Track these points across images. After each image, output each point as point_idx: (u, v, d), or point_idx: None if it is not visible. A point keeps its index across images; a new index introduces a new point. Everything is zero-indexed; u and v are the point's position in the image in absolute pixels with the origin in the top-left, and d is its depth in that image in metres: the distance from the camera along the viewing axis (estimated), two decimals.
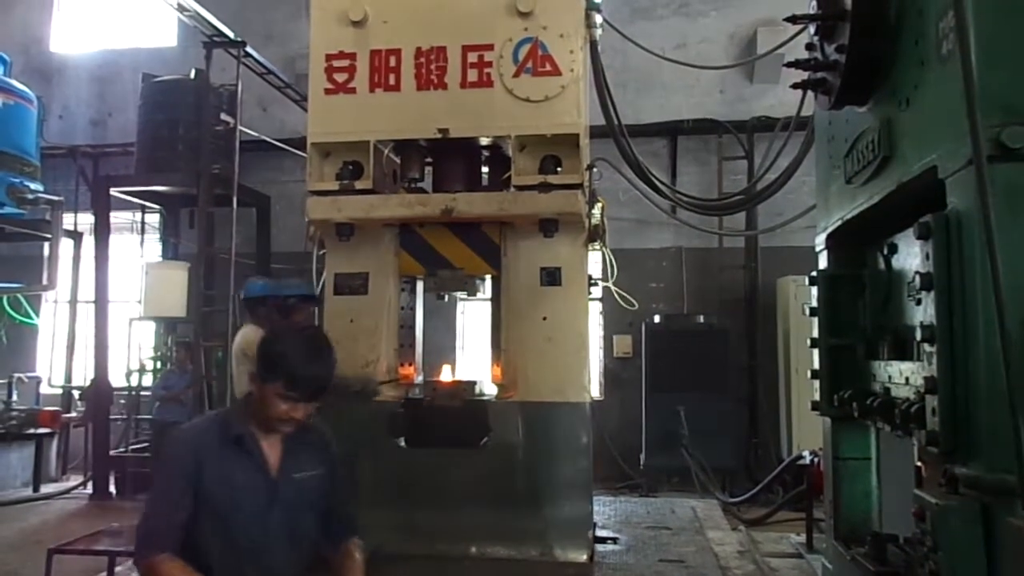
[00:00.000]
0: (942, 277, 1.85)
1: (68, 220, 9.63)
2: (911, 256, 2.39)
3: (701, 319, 9.18)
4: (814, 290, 3.09)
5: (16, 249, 10.23)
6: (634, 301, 6.10)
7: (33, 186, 8.52)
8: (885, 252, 2.67)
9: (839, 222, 2.89)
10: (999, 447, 1.66)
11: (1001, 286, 1.60)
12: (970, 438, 1.75)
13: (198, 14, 7.48)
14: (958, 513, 1.73)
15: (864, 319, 2.86)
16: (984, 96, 1.68)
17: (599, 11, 5.71)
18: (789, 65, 2.74)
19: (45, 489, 9.13)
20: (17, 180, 8.34)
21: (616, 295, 6.17)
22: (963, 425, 1.77)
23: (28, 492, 8.99)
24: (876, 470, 3.04)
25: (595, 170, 5.73)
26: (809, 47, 2.72)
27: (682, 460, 8.28)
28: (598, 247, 6.23)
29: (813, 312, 3.08)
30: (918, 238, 1.97)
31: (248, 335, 5.63)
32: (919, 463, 2.45)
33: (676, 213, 6.85)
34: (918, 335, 2.00)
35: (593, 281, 5.79)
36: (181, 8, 7.37)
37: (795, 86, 2.78)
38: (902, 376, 2.38)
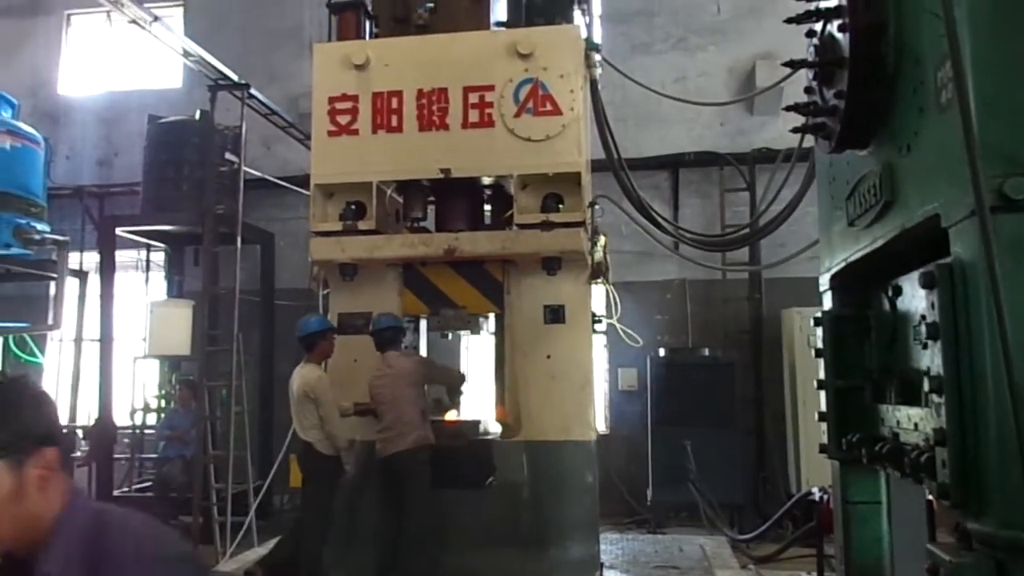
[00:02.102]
0: (948, 328, 1.83)
1: (74, 259, 9.68)
2: (916, 299, 2.37)
3: (706, 352, 9.13)
4: (819, 331, 3.06)
5: (22, 288, 10.26)
6: (639, 338, 6.09)
7: (39, 227, 8.56)
8: (890, 294, 2.65)
9: (843, 263, 2.87)
10: (1012, 503, 1.63)
11: (1008, 339, 1.58)
12: (982, 492, 1.72)
13: (203, 59, 7.57)
14: (972, 570, 1.69)
15: (870, 361, 2.83)
16: (985, 146, 1.68)
17: (598, 51, 5.79)
18: (788, 109, 2.74)
19: None
20: (24, 221, 8.38)
21: (621, 332, 6.15)
22: (974, 479, 1.74)
23: None
24: (887, 514, 2.99)
25: (597, 207, 5.76)
26: (808, 91, 2.73)
27: (690, 495, 8.19)
28: (601, 283, 6.23)
29: (819, 353, 3.05)
30: (923, 287, 1.95)
31: (307, 375, 5.60)
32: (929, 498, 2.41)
33: (679, 249, 6.84)
34: (926, 385, 1.97)
35: (597, 318, 5.79)
36: (186, 53, 7.46)
37: (795, 130, 2.79)
38: (911, 422, 2.35)
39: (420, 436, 5.37)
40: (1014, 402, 1.57)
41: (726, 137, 10.05)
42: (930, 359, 2.05)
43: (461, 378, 5.99)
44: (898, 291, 2.60)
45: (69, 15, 12.19)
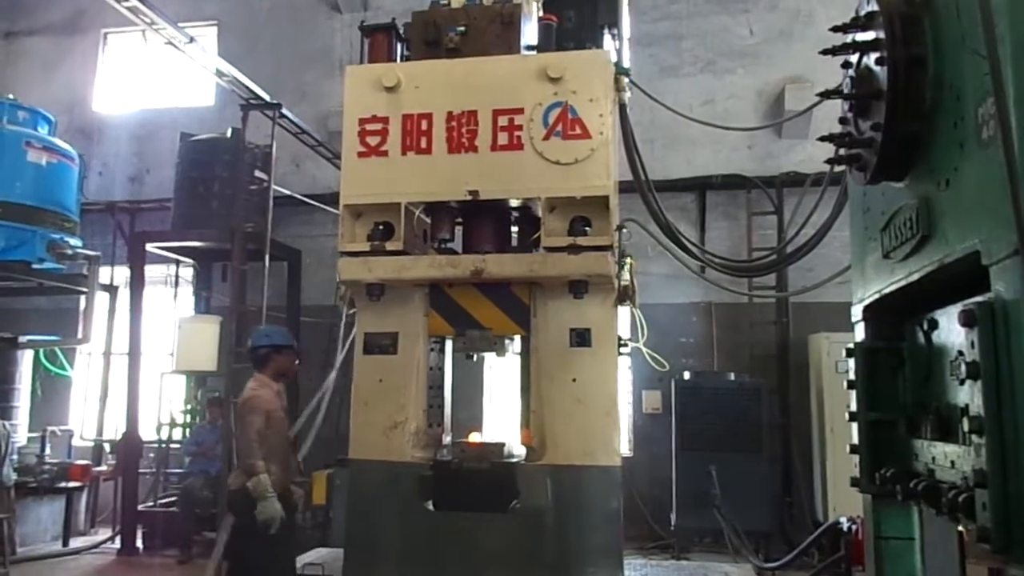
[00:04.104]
0: (990, 368, 1.80)
1: (104, 274, 9.83)
2: (953, 334, 2.34)
3: (732, 376, 9.05)
4: (851, 362, 3.03)
5: (54, 302, 10.44)
6: (665, 362, 6.04)
7: (72, 241, 8.75)
8: (925, 327, 2.61)
9: (877, 295, 2.84)
10: None
11: None
12: None
13: (235, 79, 7.68)
14: None
15: (904, 394, 2.79)
16: None
17: (627, 75, 5.78)
18: (823, 139, 2.73)
19: (74, 543, 9.14)
20: (57, 236, 8.57)
21: (647, 357, 6.11)
22: (1017, 523, 1.71)
23: (58, 546, 9.00)
24: (921, 550, 2.94)
25: (625, 230, 5.74)
26: (842, 121, 2.71)
27: (714, 521, 8.08)
28: (628, 305, 6.19)
29: (851, 385, 3.01)
30: (963, 325, 1.92)
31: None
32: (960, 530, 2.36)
33: (705, 273, 6.80)
34: (965, 425, 1.94)
35: (623, 342, 5.75)
36: (220, 73, 7.58)
37: (829, 161, 2.77)
38: (947, 459, 2.31)
39: (235, 482, 5.33)
40: None
41: (754, 160, 10.02)
42: (968, 396, 2.01)
43: (247, 463, 5.40)
44: (934, 325, 2.56)
45: (106, 34, 12.46)
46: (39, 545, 8.87)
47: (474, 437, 6.04)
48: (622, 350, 5.77)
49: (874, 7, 2.27)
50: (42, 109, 9.21)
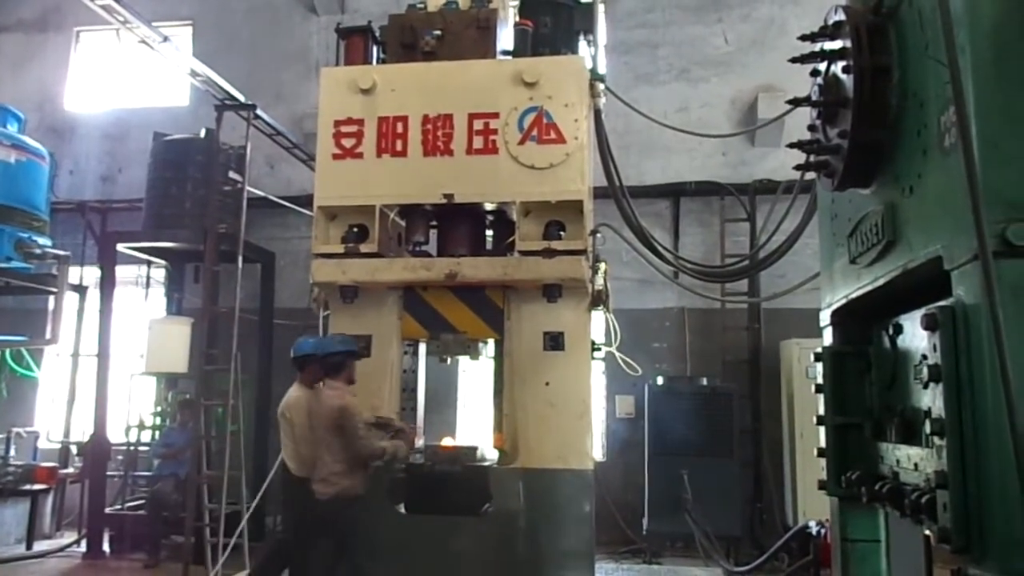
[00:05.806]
0: (951, 371, 1.84)
1: (74, 274, 9.68)
2: (917, 338, 2.38)
3: (704, 381, 9.12)
4: (819, 366, 3.06)
5: (21, 302, 10.26)
6: (637, 367, 6.08)
7: (41, 241, 8.60)
8: (891, 332, 2.65)
9: (844, 300, 2.88)
10: (1013, 549, 1.62)
11: (1010, 383, 1.59)
12: (983, 538, 1.72)
13: (210, 79, 7.62)
14: None
15: (870, 398, 2.83)
16: (988, 192, 1.69)
17: (603, 81, 5.83)
18: (791, 146, 2.76)
19: (38, 546, 8.98)
20: (26, 235, 8.42)
21: (620, 361, 6.14)
22: (976, 524, 1.74)
23: (21, 549, 8.84)
24: (886, 552, 2.98)
25: (599, 235, 5.78)
26: (811, 128, 2.75)
27: (686, 525, 8.13)
28: (601, 310, 6.22)
29: (819, 389, 3.05)
30: (925, 329, 1.96)
31: (288, 396, 5.88)
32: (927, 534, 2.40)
33: (678, 278, 6.85)
34: (927, 427, 1.97)
35: (596, 347, 5.78)
36: (194, 73, 7.52)
37: (798, 167, 2.80)
38: (911, 461, 2.34)
39: (346, 487, 5.32)
40: (1016, 447, 1.57)
41: (728, 167, 10.11)
42: (931, 400, 2.05)
43: (370, 452, 5.35)
44: (899, 329, 2.60)
45: (79, 32, 12.29)
46: (2, 549, 8.70)
47: (447, 441, 6.04)
48: (595, 354, 5.81)
49: (841, 16, 2.31)
50: (11, 106, 9.05)
